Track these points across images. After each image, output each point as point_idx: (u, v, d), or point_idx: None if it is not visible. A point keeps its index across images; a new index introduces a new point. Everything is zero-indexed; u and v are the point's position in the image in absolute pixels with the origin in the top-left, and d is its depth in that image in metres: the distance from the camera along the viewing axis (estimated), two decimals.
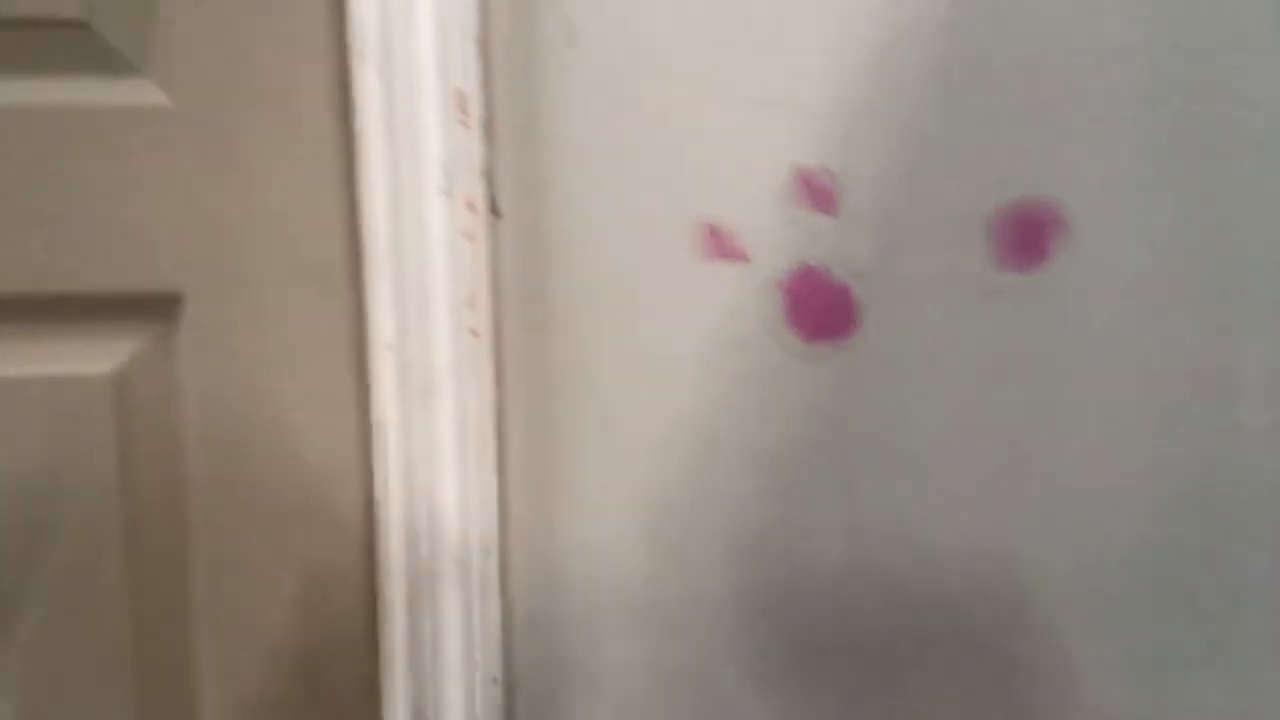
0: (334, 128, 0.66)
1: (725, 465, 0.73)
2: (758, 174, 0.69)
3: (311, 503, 0.71)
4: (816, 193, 0.70)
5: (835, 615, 0.75)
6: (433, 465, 0.68)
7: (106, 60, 0.64)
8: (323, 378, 0.70)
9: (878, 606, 0.75)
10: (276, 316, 0.69)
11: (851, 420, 0.73)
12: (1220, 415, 0.73)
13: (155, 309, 0.68)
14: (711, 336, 0.71)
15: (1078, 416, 0.73)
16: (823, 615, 0.75)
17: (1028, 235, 0.72)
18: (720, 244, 0.70)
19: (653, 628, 0.73)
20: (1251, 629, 0.75)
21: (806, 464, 0.73)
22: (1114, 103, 0.70)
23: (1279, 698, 0.76)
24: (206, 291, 0.68)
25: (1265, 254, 0.72)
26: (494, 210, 0.67)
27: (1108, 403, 0.73)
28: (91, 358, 0.68)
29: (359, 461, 0.71)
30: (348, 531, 0.71)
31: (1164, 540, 0.74)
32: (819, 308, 0.71)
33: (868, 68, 0.68)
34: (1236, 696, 0.76)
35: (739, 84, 0.68)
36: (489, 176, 0.65)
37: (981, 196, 0.71)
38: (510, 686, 0.72)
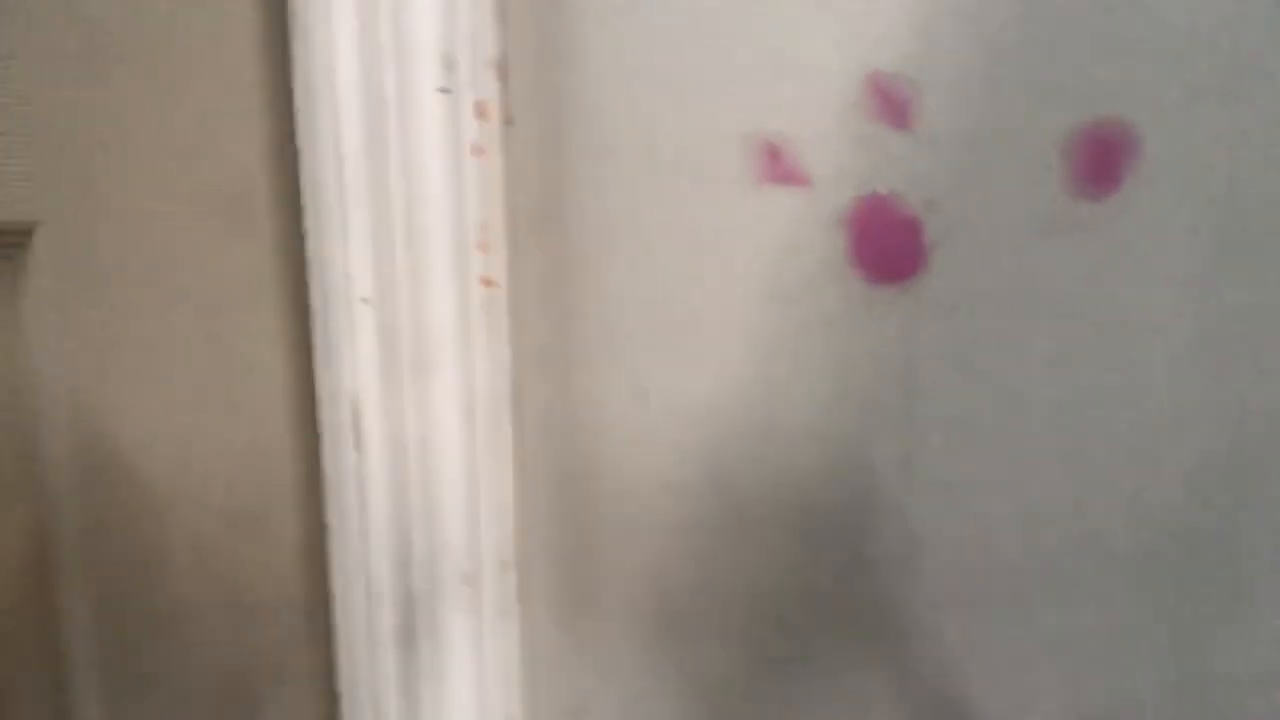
0: None
1: (776, 439, 0.61)
2: (824, 81, 0.56)
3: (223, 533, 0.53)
4: (891, 104, 0.58)
5: (888, 596, 0.66)
6: (429, 461, 0.51)
7: None
8: (237, 349, 0.52)
9: (933, 580, 0.66)
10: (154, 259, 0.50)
11: (911, 380, 0.63)
12: None
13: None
14: (764, 280, 0.58)
15: (1146, 371, 0.66)
16: (877, 594, 0.65)
17: (1102, 158, 0.63)
18: (779, 165, 0.56)
19: (702, 641, 0.61)
20: None
21: (865, 432, 0.62)
22: (1194, 19, 0.62)
23: None
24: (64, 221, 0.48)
25: None
26: (506, 118, 0.50)
27: (1178, 354, 0.66)
28: None
29: (297, 468, 0.53)
30: (281, 557, 0.54)
31: (1234, 503, 0.69)
32: (887, 244, 0.60)
33: None
34: None
35: None
36: (504, 70, 0.48)
37: (1058, 114, 0.62)
38: None
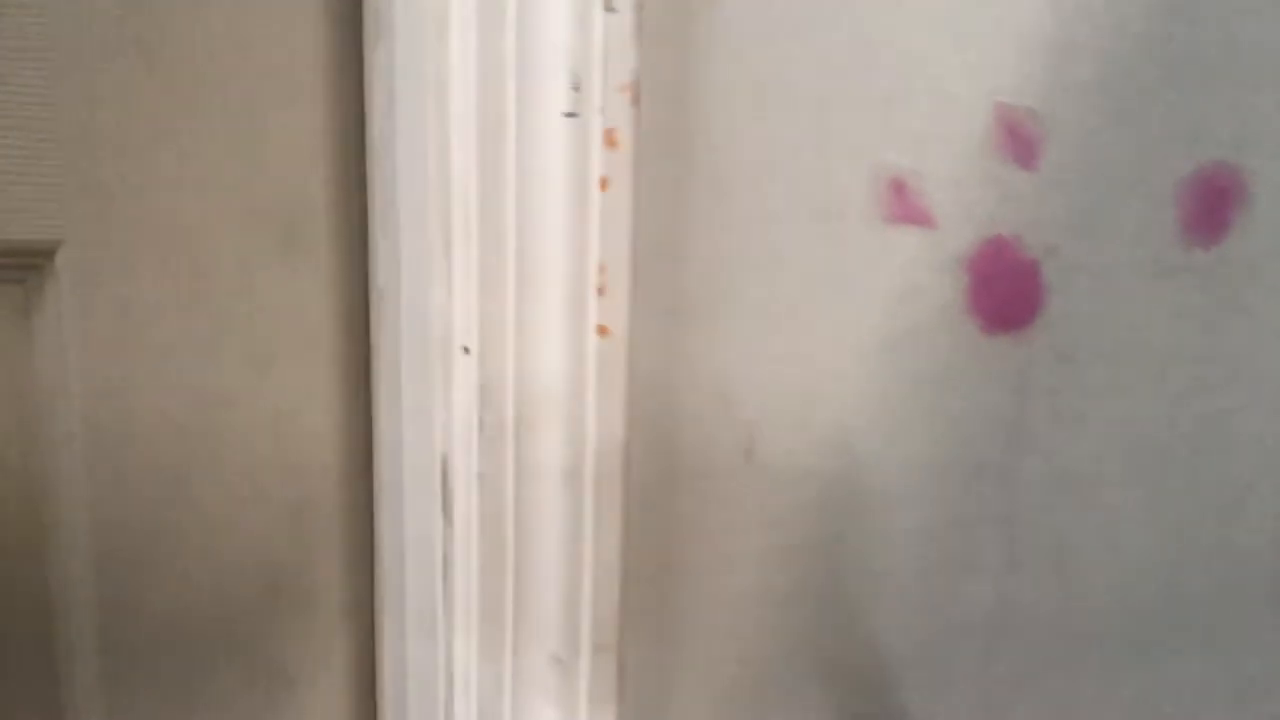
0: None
1: (879, 500, 0.56)
2: (953, 114, 0.52)
3: None
4: (1018, 140, 0.54)
5: (982, 657, 0.61)
6: (527, 531, 0.45)
7: None
8: (285, 389, 0.46)
9: (1027, 645, 0.62)
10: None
11: (1018, 435, 0.59)
12: None
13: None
14: (881, 328, 0.53)
15: (1253, 425, 0.63)
16: (969, 661, 0.61)
17: (1212, 204, 0.60)
18: (906, 203, 0.52)
19: (797, 692, 0.55)
20: None
21: (968, 493, 0.58)
22: None
23: None
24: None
25: None
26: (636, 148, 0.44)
27: None
28: None
29: (348, 530, 0.47)
30: None
31: None
32: (1006, 290, 0.56)
33: None
34: None
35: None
36: (637, 94, 0.43)
37: (1173, 157, 0.58)
38: None
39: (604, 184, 0.42)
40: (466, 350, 0.43)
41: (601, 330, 0.43)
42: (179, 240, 0.46)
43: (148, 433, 0.47)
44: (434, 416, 0.44)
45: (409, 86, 0.42)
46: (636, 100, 0.42)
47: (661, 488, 0.49)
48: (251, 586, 0.51)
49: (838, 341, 0.52)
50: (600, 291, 0.43)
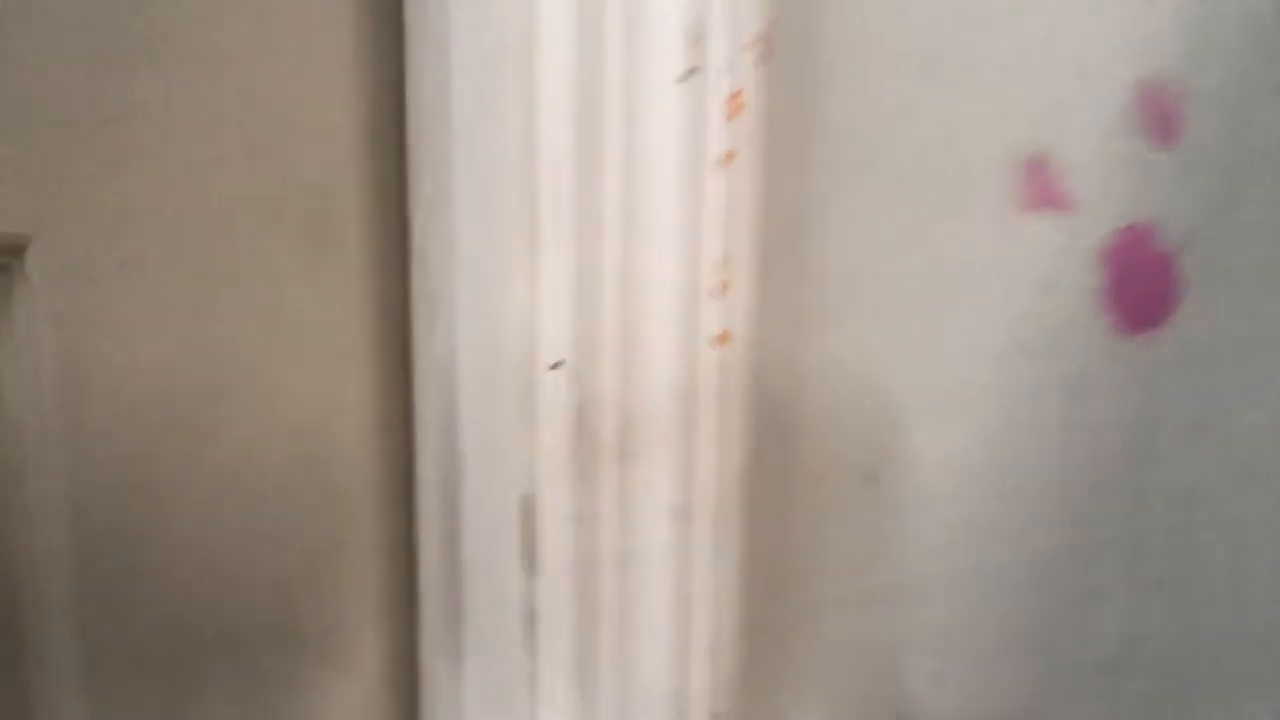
0: None
1: (1003, 529, 0.49)
2: (1094, 87, 0.45)
3: None
4: (1158, 115, 0.47)
5: (1110, 695, 0.54)
6: (629, 582, 0.37)
7: None
8: (305, 406, 0.38)
9: (1150, 677, 0.55)
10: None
11: (1145, 447, 0.52)
12: None
13: None
14: (1013, 329, 0.46)
15: None
16: (1092, 703, 0.54)
17: None
18: (1043, 187, 0.45)
19: None
20: None
21: (1096, 510, 0.51)
22: None
23: None
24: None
25: None
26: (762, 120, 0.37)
27: None
28: None
29: (382, 579, 0.39)
30: None
31: None
32: (1143, 284, 0.49)
33: None
34: None
35: None
36: (768, 52, 0.35)
37: None
38: None
39: (727, 159, 0.34)
40: (556, 366, 0.35)
41: (721, 338, 0.36)
42: (176, 236, 0.38)
43: (140, 467, 0.38)
44: (512, 447, 0.37)
45: (473, 45, 0.34)
46: (767, 57, 0.34)
47: (773, 526, 0.42)
48: (261, 640, 0.43)
49: (968, 346, 0.45)
50: (721, 290, 0.35)
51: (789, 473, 0.42)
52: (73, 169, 0.36)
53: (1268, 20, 0.48)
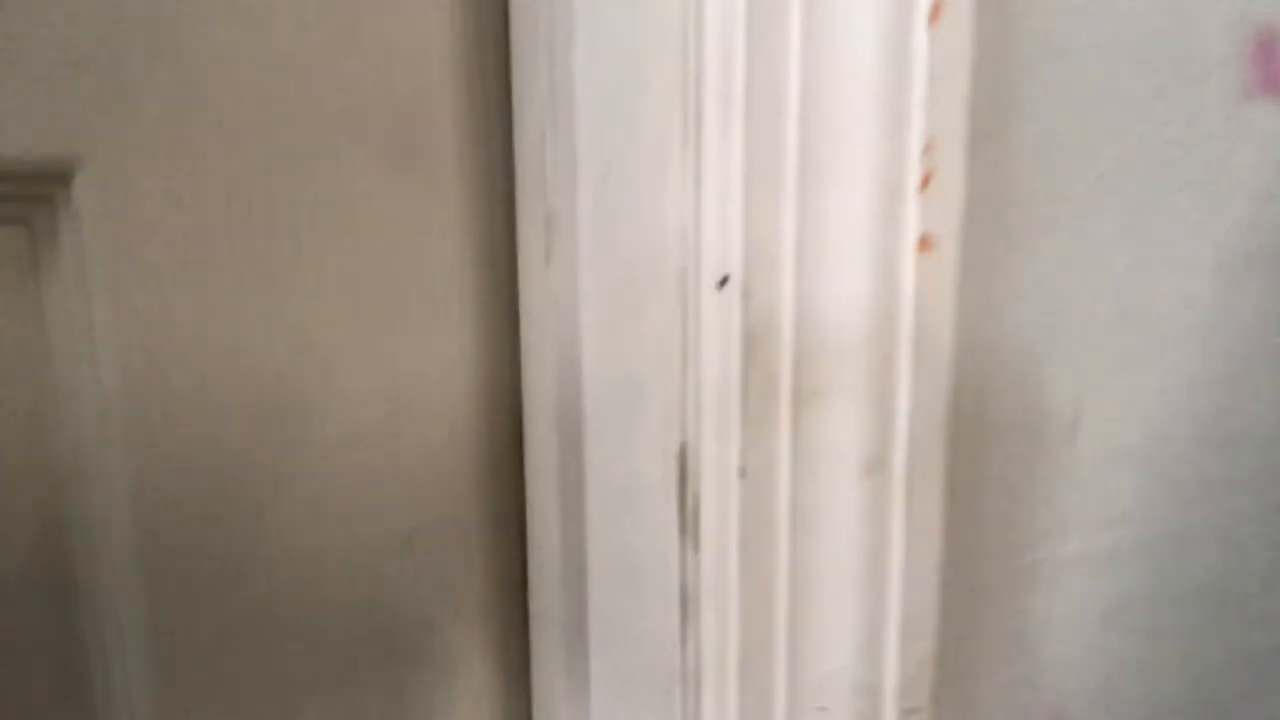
0: None
1: (1223, 478, 0.41)
2: None
3: None
4: None
5: None
6: (810, 547, 0.31)
7: None
8: (398, 354, 0.32)
9: None
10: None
11: None
12: None
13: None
14: (1234, 245, 0.39)
15: None
16: None
17: None
18: (1274, 68, 0.37)
19: None
20: None
21: None
22: None
23: None
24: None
25: None
26: None
27: None
28: None
29: (489, 544, 0.33)
30: None
31: None
32: None
33: None
34: None
35: None
36: None
37: None
38: None
39: (934, 14, 0.27)
40: (723, 283, 0.28)
41: (924, 243, 0.29)
42: (245, 159, 0.31)
43: (206, 420, 0.32)
44: (663, 385, 0.30)
45: None
46: None
47: (970, 483, 0.35)
48: (349, 634, 0.37)
49: (1181, 264, 0.38)
50: (924, 184, 0.28)
51: (985, 419, 0.34)
52: (129, 82, 0.30)
53: None
